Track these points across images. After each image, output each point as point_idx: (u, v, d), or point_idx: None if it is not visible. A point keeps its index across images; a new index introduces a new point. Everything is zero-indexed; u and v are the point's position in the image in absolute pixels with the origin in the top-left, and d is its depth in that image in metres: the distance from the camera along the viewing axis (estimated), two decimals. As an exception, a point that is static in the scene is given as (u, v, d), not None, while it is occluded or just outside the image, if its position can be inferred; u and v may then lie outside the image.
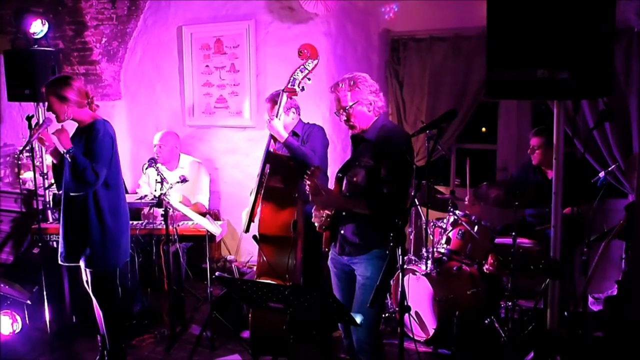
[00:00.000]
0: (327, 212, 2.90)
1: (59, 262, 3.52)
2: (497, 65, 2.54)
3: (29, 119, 3.66)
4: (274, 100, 3.80)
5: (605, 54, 2.37)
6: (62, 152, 3.28)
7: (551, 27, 2.32)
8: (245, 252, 5.49)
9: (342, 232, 2.87)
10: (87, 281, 3.50)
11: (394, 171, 2.70)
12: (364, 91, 2.79)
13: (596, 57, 2.32)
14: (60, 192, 3.49)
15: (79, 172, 3.22)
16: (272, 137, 3.75)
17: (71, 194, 3.35)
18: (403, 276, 2.45)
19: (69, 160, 3.24)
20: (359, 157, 2.84)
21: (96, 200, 3.35)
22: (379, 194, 2.70)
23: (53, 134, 3.27)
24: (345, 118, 2.83)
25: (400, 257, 2.39)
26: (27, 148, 3.51)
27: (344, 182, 2.90)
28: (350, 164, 2.90)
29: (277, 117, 3.65)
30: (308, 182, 2.83)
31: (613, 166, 4.16)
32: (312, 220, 2.97)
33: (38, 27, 4.70)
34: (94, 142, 3.29)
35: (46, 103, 3.33)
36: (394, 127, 2.99)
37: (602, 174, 3.90)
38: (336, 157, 4.73)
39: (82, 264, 3.43)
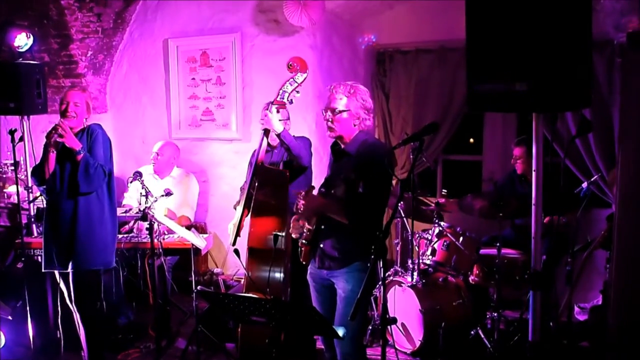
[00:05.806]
0: (307, 225, 2.89)
1: (43, 269, 3.58)
2: (477, 78, 2.55)
3: (11, 132, 3.65)
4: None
5: (582, 67, 2.39)
6: (73, 151, 3.39)
7: (528, 40, 2.34)
8: (232, 265, 5.46)
9: (321, 246, 2.86)
10: (68, 294, 3.52)
11: (373, 182, 2.71)
12: (358, 103, 2.82)
13: (574, 70, 2.34)
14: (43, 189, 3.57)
15: (92, 172, 3.39)
16: (259, 147, 3.69)
17: (82, 191, 3.44)
18: (385, 289, 2.45)
19: (80, 160, 3.37)
20: (340, 172, 2.84)
21: (101, 202, 3.51)
22: (356, 202, 2.69)
23: (60, 133, 3.39)
24: (330, 119, 2.84)
25: (382, 269, 2.39)
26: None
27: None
28: (332, 179, 2.91)
29: (269, 111, 3.59)
30: (302, 202, 2.82)
31: (596, 176, 4.20)
32: (290, 231, 2.96)
33: (23, 41, 4.71)
34: (95, 142, 3.49)
35: (68, 101, 3.49)
36: (376, 142, 3.01)
37: (585, 185, 3.92)
38: (322, 168, 4.70)
39: (64, 273, 3.47)
